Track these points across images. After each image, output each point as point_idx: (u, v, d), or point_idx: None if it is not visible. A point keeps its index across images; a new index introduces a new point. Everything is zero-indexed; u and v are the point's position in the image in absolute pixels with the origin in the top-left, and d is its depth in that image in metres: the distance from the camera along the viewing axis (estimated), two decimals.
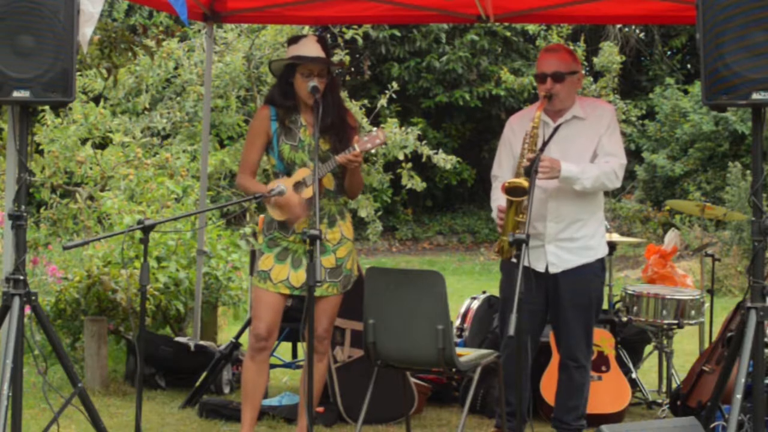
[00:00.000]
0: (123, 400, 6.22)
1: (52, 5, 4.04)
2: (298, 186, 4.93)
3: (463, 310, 6.82)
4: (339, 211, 5.07)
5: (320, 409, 5.73)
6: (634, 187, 16.52)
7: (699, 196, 14.43)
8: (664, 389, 6.38)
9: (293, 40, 5.10)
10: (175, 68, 11.32)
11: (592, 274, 5.12)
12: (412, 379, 5.96)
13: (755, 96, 4.04)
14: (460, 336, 6.61)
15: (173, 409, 6.09)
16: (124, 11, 15.83)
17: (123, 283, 6.86)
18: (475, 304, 6.74)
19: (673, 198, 14.39)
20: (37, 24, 4.03)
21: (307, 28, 9.67)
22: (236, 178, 5.40)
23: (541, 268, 5.04)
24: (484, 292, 6.89)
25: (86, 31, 4.25)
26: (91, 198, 9.54)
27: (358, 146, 4.86)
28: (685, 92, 16.56)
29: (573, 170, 4.89)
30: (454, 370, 4.81)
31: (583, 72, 16.68)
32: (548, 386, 5.71)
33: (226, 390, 6.50)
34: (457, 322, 6.68)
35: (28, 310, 4.15)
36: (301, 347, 6.45)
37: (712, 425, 4.61)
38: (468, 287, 11.72)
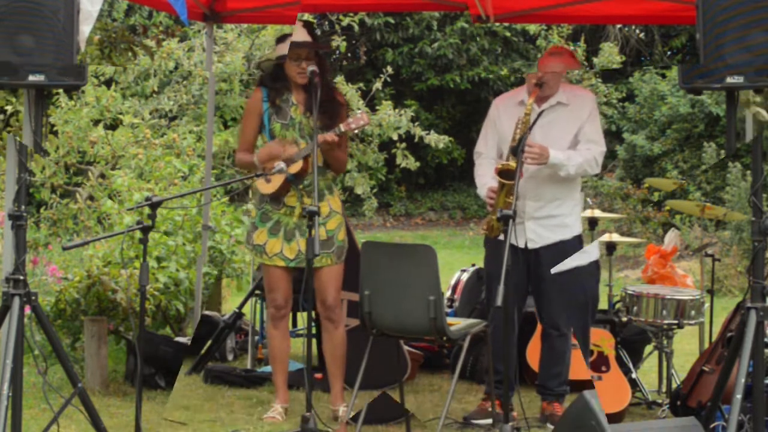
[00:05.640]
0: (123, 400, 6.21)
1: (52, 5, 4.04)
2: (287, 162, 5.16)
3: (453, 282, 7.17)
4: (327, 186, 5.35)
5: (319, 375, 5.95)
6: (614, 165, 17.13)
7: (676, 174, 14.96)
8: (664, 389, 6.36)
9: (281, 39, 5.39)
10: (175, 68, 11.48)
11: (570, 248, 5.39)
12: (406, 347, 6.19)
13: (729, 80, 4.10)
14: (450, 306, 6.93)
15: None
16: (124, 11, 15.85)
17: (123, 283, 6.85)
18: (465, 276, 7.08)
19: (652, 176, 14.92)
20: (37, 24, 4.04)
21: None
22: (235, 155, 5.76)
23: (521, 244, 5.28)
24: (473, 265, 7.23)
25: (84, 29, 4.25)
26: (91, 198, 9.66)
27: (343, 126, 5.14)
28: (663, 76, 17.04)
29: (560, 157, 5.22)
30: (445, 338, 5.03)
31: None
32: (533, 354, 5.92)
33: (230, 357, 6.83)
34: (447, 294, 7.03)
35: (28, 310, 4.16)
36: (300, 317, 6.67)
37: (712, 425, 4.60)
38: (458, 260, 12.08)
